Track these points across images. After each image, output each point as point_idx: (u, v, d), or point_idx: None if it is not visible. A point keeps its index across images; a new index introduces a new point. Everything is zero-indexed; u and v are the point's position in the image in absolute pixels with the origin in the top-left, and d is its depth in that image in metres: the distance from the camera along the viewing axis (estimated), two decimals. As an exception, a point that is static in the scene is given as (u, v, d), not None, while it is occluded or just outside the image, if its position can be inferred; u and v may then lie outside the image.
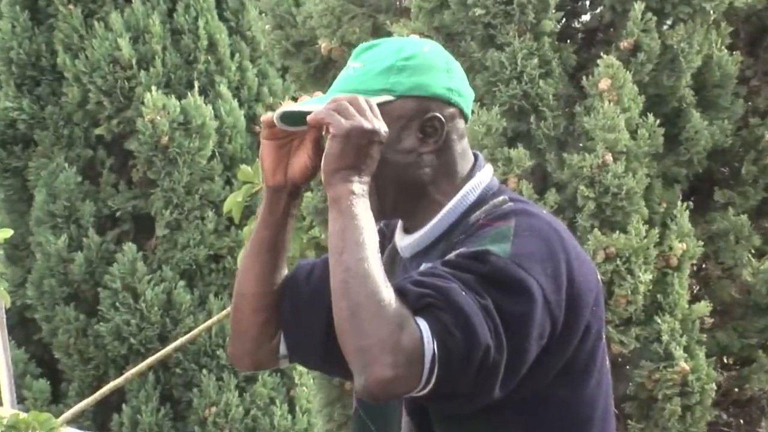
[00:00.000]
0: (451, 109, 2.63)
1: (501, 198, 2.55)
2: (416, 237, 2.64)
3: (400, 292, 2.20)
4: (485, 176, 2.63)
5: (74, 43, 9.26)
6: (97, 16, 9.39)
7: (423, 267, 2.56)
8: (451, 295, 2.23)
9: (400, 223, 2.71)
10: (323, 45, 5.58)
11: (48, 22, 9.47)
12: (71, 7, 9.38)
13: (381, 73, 2.56)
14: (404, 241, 2.67)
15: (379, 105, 2.52)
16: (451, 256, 2.34)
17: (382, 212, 2.59)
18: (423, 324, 2.14)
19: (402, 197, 2.57)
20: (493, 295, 2.38)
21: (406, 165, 2.55)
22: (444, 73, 2.65)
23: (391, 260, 2.76)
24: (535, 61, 5.07)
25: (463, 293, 2.26)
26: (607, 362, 2.67)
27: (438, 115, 2.61)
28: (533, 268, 2.43)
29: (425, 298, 2.24)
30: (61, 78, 9.33)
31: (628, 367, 5.07)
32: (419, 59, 2.63)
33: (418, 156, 2.56)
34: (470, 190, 2.58)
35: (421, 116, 2.58)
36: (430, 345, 2.13)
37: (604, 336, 2.63)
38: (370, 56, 2.60)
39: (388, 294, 2.16)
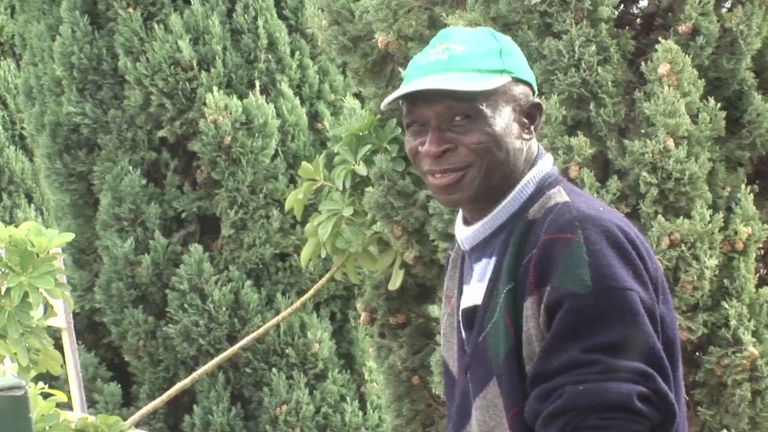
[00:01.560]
0: (536, 97, 2.67)
1: (556, 189, 2.57)
2: (476, 228, 2.66)
3: None
4: (545, 165, 2.65)
5: (135, 46, 9.34)
6: (156, 18, 9.46)
7: (483, 263, 2.58)
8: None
9: (459, 216, 2.72)
10: (380, 39, 5.60)
11: (108, 26, 9.55)
12: (131, 10, 9.46)
13: (490, 54, 2.59)
14: (464, 234, 2.69)
15: (502, 84, 2.54)
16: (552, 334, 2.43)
17: (474, 198, 2.61)
18: None
19: (495, 181, 2.59)
20: (612, 333, 2.43)
21: (514, 150, 2.59)
22: (526, 62, 2.69)
23: (455, 261, 2.78)
24: (593, 48, 5.07)
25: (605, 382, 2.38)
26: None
27: (539, 102, 2.64)
28: (620, 280, 2.46)
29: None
30: (123, 81, 9.41)
31: (697, 353, 5.05)
32: (514, 47, 2.68)
33: (521, 141, 2.59)
34: (529, 180, 2.61)
35: (527, 101, 2.61)
36: None
37: (676, 324, 2.65)
38: (465, 38, 2.63)
39: None
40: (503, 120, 2.54)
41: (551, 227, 2.50)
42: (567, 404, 2.40)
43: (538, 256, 2.49)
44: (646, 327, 2.45)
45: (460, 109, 2.52)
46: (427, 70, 2.56)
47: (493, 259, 2.59)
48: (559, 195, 2.57)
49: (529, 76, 2.65)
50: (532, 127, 2.61)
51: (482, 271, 2.62)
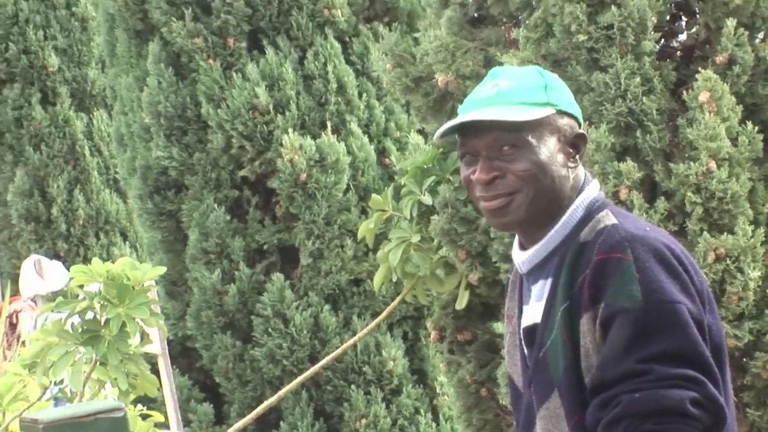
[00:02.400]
0: (581, 128, 2.67)
1: (604, 212, 2.58)
2: (532, 252, 2.67)
3: None
4: (592, 190, 2.66)
5: (216, 94, 9.40)
6: (234, 68, 9.53)
7: (540, 284, 2.59)
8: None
9: (516, 241, 2.73)
10: (440, 79, 5.62)
11: (191, 76, 9.62)
12: (211, 61, 9.53)
13: (536, 89, 2.62)
14: (521, 258, 2.70)
15: (545, 116, 2.56)
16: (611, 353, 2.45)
17: (524, 222, 2.63)
18: None
19: (542, 206, 2.61)
20: (663, 343, 2.43)
21: (560, 177, 2.59)
22: (573, 97, 2.70)
23: (514, 284, 2.78)
24: (638, 79, 5.07)
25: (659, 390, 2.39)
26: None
27: (583, 132, 2.65)
28: (669, 293, 2.47)
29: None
30: (206, 127, 9.47)
31: (744, 359, 5.02)
32: (560, 83, 2.69)
33: (567, 169, 2.60)
34: (579, 205, 2.61)
35: (572, 131, 2.62)
36: None
37: (723, 332, 2.64)
38: (512, 75, 2.65)
39: None
40: (548, 149, 2.56)
41: (602, 248, 2.51)
42: (625, 411, 2.40)
43: (591, 275, 2.50)
44: (694, 336, 2.45)
45: (507, 139, 2.55)
46: (477, 105, 2.58)
47: (549, 280, 2.61)
48: (608, 218, 2.58)
49: (575, 109, 2.66)
50: (577, 156, 2.62)
51: (539, 291, 2.63)
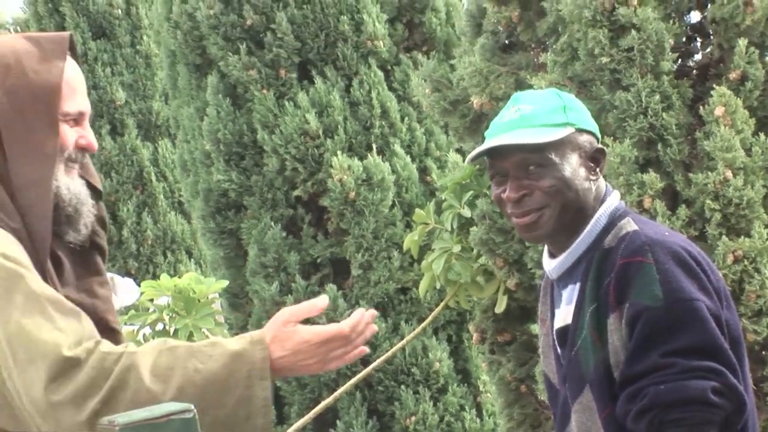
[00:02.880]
0: (599, 144, 2.69)
1: (625, 220, 2.60)
2: (560, 259, 2.69)
3: None
4: (614, 200, 2.68)
5: (270, 121, 9.44)
6: (287, 97, 9.56)
7: (569, 288, 2.60)
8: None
9: (545, 250, 2.74)
10: (475, 101, 5.64)
11: (247, 105, 9.66)
12: (265, 91, 9.56)
13: (555, 110, 2.64)
14: (551, 265, 2.72)
15: (566, 135, 2.58)
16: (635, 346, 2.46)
17: (552, 233, 2.64)
18: None
19: (569, 218, 2.62)
20: (685, 338, 2.45)
21: (584, 190, 2.62)
22: (590, 115, 2.72)
23: (545, 289, 2.80)
24: (657, 97, 5.06)
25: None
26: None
27: (602, 147, 2.67)
28: (688, 292, 2.48)
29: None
30: (262, 151, 9.50)
31: (763, 352, 5.01)
32: (577, 103, 2.71)
33: (590, 182, 2.62)
34: (602, 214, 2.64)
35: (591, 147, 2.64)
36: None
37: (740, 327, 2.64)
38: (533, 99, 2.67)
39: None
40: (571, 165, 2.58)
41: (625, 253, 2.54)
42: (652, 402, 2.42)
43: (616, 278, 2.52)
44: (713, 330, 2.46)
45: (532, 159, 2.57)
46: (502, 129, 2.61)
47: (578, 285, 2.62)
48: (629, 225, 2.60)
49: (592, 126, 2.68)
50: (597, 169, 2.65)
51: (569, 295, 2.65)
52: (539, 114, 2.60)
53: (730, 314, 2.61)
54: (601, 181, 2.67)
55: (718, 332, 2.47)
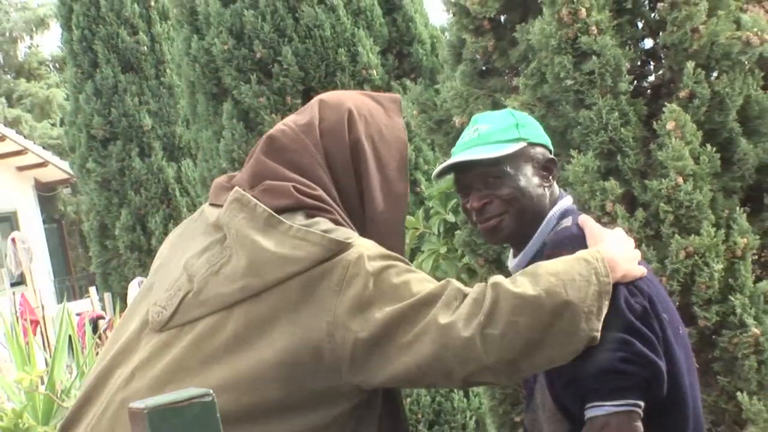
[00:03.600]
0: (551, 154, 2.70)
1: (566, 219, 2.62)
2: (519, 258, 2.72)
3: None
4: (565, 203, 2.70)
5: (278, 141, 9.47)
6: (292, 120, 9.59)
7: None
8: None
9: (510, 250, 2.76)
10: (457, 121, 5.67)
11: (257, 128, 9.68)
12: (273, 115, 9.59)
13: (509, 128, 2.66)
14: (512, 263, 2.74)
15: (518, 149, 2.60)
16: None
17: (512, 235, 2.66)
18: None
19: (527, 221, 2.64)
20: None
21: (538, 196, 2.63)
22: (542, 130, 2.73)
23: None
24: (616, 114, 5.08)
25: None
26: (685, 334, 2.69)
27: (554, 157, 2.69)
28: None
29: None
30: (272, 168, 9.54)
31: (713, 336, 5.02)
32: (529, 120, 2.74)
33: (543, 189, 2.64)
34: (552, 216, 2.66)
35: (544, 158, 2.66)
36: None
37: (669, 300, 2.65)
38: (489, 119, 2.70)
39: None
40: (525, 176, 2.61)
41: (550, 246, 2.58)
42: (570, 377, 2.43)
43: None
44: (623, 308, 2.45)
45: (490, 172, 2.59)
46: (463, 148, 2.64)
47: None
48: (566, 223, 2.61)
49: (544, 140, 2.71)
50: (550, 177, 2.66)
51: None
52: (494, 132, 2.62)
53: (656, 291, 2.62)
54: (555, 187, 2.69)
55: (626, 310, 2.46)
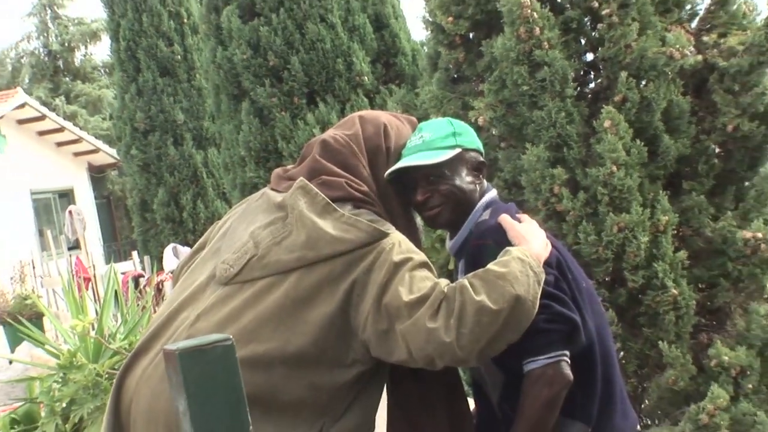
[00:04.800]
0: (482, 156, 2.69)
1: (486, 211, 2.63)
2: (454, 241, 2.70)
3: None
4: (489, 196, 2.70)
5: (287, 134, 9.44)
6: (299, 117, 9.56)
7: (460, 264, 2.61)
8: None
9: (448, 233, 2.75)
10: (433, 118, 5.63)
11: (270, 123, 9.67)
12: (283, 113, 9.56)
13: (447, 136, 2.64)
14: (449, 244, 2.73)
15: (454, 155, 2.59)
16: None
17: (448, 222, 2.66)
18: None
19: (458, 212, 2.63)
20: None
21: (469, 191, 2.62)
22: (476, 136, 2.72)
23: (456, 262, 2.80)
24: (563, 114, 5.06)
25: None
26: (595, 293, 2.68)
27: (484, 160, 2.68)
28: None
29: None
30: (281, 156, 9.51)
31: (640, 295, 5.01)
32: (465, 128, 2.71)
33: (474, 185, 2.63)
34: (479, 207, 2.65)
35: (476, 160, 2.64)
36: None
37: (583, 273, 2.63)
38: (431, 128, 2.68)
39: None
40: (459, 176, 2.61)
41: (474, 236, 2.57)
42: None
43: (469, 256, 2.54)
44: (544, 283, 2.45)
45: (432, 173, 2.59)
46: (411, 152, 2.62)
47: (462, 260, 2.63)
48: (486, 216, 2.62)
49: (477, 144, 2.70)
50: (480, 176, 2.66)
51: (462, 267, 2.64)
52: (436, 140, 2.61)
53: (573, 266, 2.61)
54: (484, 183, 2.69)
55: (545, 284, 2.45)
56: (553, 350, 2.42)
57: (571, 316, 2.45)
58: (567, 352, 2.44)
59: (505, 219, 2.55)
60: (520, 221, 2.57)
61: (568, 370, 2.42)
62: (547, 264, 2.47)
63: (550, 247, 2.53)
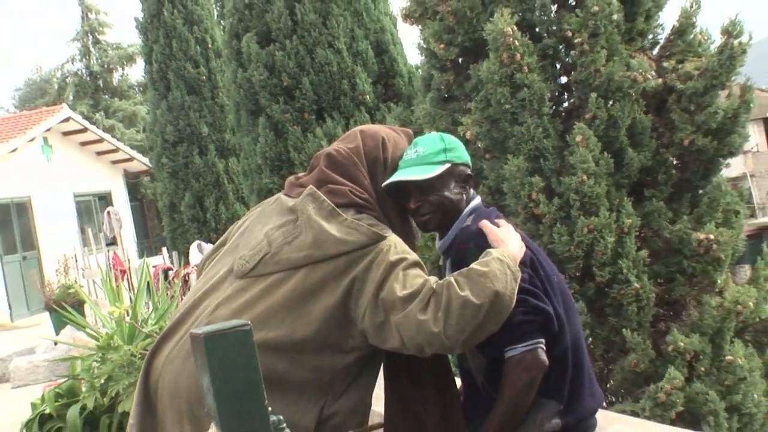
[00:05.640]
0: (469, 169, 2.67)
1: (470, 217, 2.61)
2: (442, 242, 2.68)
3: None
4: (475, 203, 2.67)
5: (298, 146, 9.42)
6: (309, 130, 9.55)
7: (448, 261, 2.60)
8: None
9: (438, 234, 2.73)
10: (427, 132, 5.63)
11: (283, 136, 9.65)
12: (295, 127, 9.55)
13: (439, 152, 2.61)
14: (438, 244, 2.71)
15: (445, 169, 2.58)
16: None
17: (438, 227, 2.64)
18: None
19: (446, 218, 2.61)
20: None
21: (457, 200, 2.60)
22: (465, 150, 2.70)
23: (443, 260, 2.78)
24: (540, 129, 5.05)
25: None
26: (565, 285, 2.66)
27: (470, 173, 2.66)
28: None
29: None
30: (293, 164, 9.49)
31: (606, 289, 5.01)
32: (455, 143, 2.68)
33: (461, 195, 2.61)
34: (465, 214, 2.63)
35: (464, 173, 2.62)
36: None
37: (556, 275, 2.61)
38: (425, 143, 2.65)
39: None
40: (448, 187, 2.58)
41: (457, 241, 2.55)
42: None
43: (453, 258, 2.53)
44: (521, 279, 2.44)
45: (424, 184, 2.56)
46: (406, 165, 2.60)
47: (449, 260, 2.62)
48: (469, 221, 2.60)
49: (465, 159, 2.67)
50: (467, 187, 2.64)
51: (449, 265, 2.63)
52: (428, 155, 2.59)
53: (547, 265, 2.59)
54: (471, 192, 2.68)
55: (522, 282, 2.44)
56: (530, 339, 2.41)
57: (545, 308, 2.45)
58: (543, 340, 2.43)
59: (485, 225, 2.54)
60: (498, 226, 2.56)
61: (543, 356, 2.42)
62: (521, 263, 2.47)
63: (524, 248, 2.53)
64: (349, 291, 2.39)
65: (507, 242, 2.49)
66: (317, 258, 2.42)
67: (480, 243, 2.48)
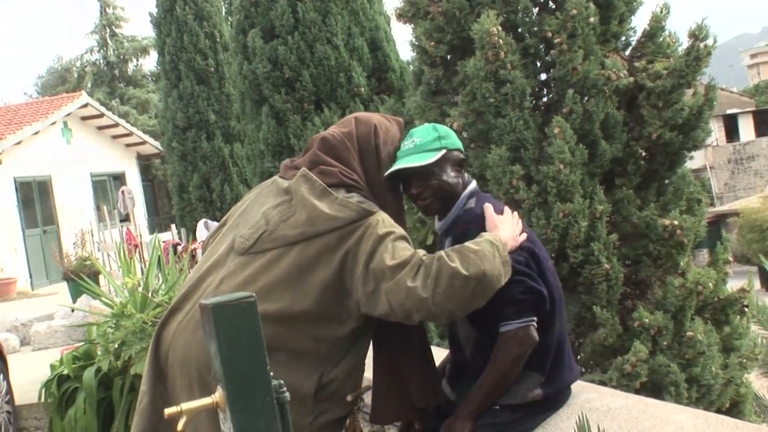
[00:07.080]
0: (462, 155, 2.65)
1: (471, 200, 2.60)
2: (442, 222, 2.66)
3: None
4: (471, 187, 2.66)
5: (298, 133, 9.37)
6: (307, 119, 9.50)
7: (448, 239, 2.58)
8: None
9: (437, 216, 2.71)
10: (417, 123, 5.59)
11: (285, 124, 9.61)
12: (296, 116, 9.50)
13: (434, 140, 2.59)
14: (438, 225, 2.70)
15: (440, 156, 2.55)
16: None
17: (438, 210, 2.62)
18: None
19: (446, 201, 2.59)
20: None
21: (453, 184, 2.58)
22: (456, 137, 2.68)
23: (440, 238, 2.77)
24: (521, 122, 5.03)
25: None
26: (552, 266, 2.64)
27: (463, 157, 2.64)
28: None
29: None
30: (293, 150, 9.44)
31: (579, 269, 5.00)
32: (447, 131, 2.66)
33: (457, 179, 2.59)
34: (463, 197, 2.62)
35: (458, 158, 2.60)
36: None
37: (548, 261, 2.60)
38: (420, 133, 2.63)
39: None
40: (445, 172, 2.57)
41: (461, 221, 2.55)
42: (490, 305, 2.39)
43: (459, 234, 2.52)
44: (516, 260, 2.43)
45: (422, 172, 2.55)
46: (404, 154, 2.58)
47: (450, 238, 2.60)
48: (470, 204, 2.59)
49: (458, 145, 2.66)
50: (462, 170, 2.62)
51: (448, 243, 2.62)
52: (424, 143, 2.57)
53: (537, 250, 2.58)
54: (465, 175, 2.66)
55: (515, 263, 2.43)
56: (525, 316, 2.41)
57: (539, 289, 2.45)
58: (535, 318, 2.43)
59: (486, 208, 2.53)
60: (502, 212, 2.55)
61: (535, 333, 2.42)
62: (521, 248, 2.48)
63: (524, 236, 2.52)
64: (344, 263, 2.38)
65: (502, 228, 2.48)
66: (311, 234, 2.40)
67: (482, 225, 2.48)
